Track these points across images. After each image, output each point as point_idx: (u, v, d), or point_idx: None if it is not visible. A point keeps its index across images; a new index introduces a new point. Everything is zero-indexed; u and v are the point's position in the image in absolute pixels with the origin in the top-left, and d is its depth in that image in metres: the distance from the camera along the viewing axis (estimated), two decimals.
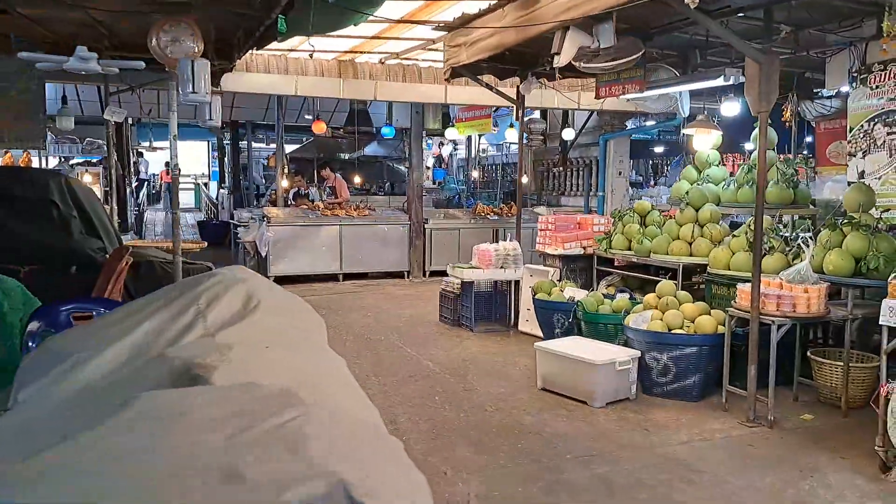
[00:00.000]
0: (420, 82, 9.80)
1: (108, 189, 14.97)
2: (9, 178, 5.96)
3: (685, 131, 7.74)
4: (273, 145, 25.48)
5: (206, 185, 25.71)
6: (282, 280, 10.62)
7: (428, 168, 23.84)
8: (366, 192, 18.30)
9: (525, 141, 15.40)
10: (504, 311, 7.96)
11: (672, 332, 5.35)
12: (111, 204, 14.86)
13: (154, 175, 28.67)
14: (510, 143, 17.99)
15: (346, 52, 8.98)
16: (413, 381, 5.88)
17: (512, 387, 5.73)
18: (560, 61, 5.33)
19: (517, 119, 8.01)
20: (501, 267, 7.70)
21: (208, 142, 26.30)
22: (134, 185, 24.43)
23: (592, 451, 4.41)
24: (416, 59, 9.65)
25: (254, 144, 25.50)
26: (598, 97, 6.48)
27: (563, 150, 13.59)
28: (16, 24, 6.16)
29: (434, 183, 21.95)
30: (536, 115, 14.85)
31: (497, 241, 8.73)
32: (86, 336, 2.05)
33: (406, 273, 11.49)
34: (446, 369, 6.22)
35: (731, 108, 7.73)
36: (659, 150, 16.85)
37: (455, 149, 21.59)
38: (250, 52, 8.93)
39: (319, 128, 11.31)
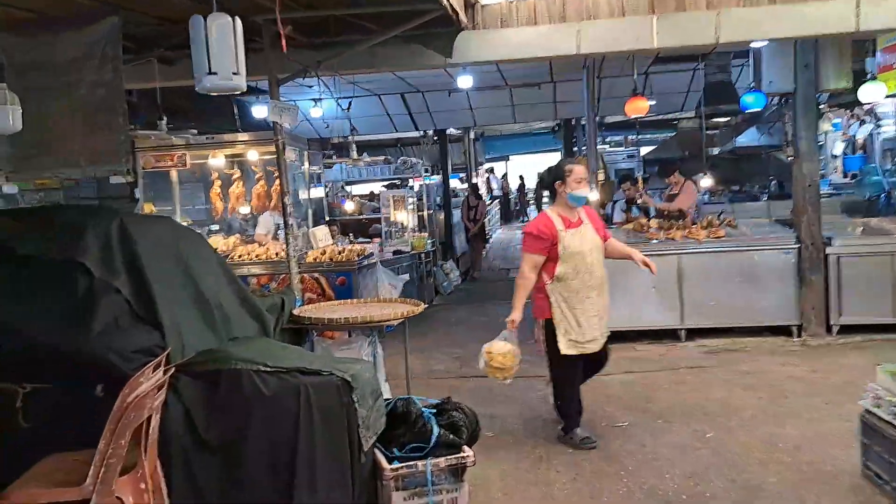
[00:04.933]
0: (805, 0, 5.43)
1: (421, 214, 13.33)
2: (29, 224, 3.67)
3: None
4: (632, 148, 22.03)
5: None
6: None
7: (835, 157, 17.70)
8: (751, 197, 13.73)
9: None
10: None
11: None
12: (430, 229, 13.13)
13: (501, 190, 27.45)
14: None
15: None
16: None
17: None
18: None
19: None
20: None
21: (561, 150, 23.91)
22: (478, 204, 23.26)
23: None
24: None
25: (608, 148, 22.35)
26: None
27: None
28: None
29: (845, 176, 16.02)
30: None
31: None
32: None
33: (795, 329, 6.98)
34: None
35: None
36: None
37: (878, 125, 15.28)
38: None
39: (636, 108, 7.56)
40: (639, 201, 9.14)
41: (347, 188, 14.98)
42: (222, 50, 3.21)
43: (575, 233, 4.49)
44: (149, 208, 8.41)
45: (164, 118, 6.70)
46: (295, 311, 4.75)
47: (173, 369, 3.18)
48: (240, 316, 4.06)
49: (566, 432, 4.63)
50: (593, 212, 4.83)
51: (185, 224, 8.89)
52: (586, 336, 4.47)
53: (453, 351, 7.45)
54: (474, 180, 19.84)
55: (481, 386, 6.03)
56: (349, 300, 5.35)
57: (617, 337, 6.98)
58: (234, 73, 3.27)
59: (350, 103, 10.10)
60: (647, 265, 4.67)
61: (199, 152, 8.19)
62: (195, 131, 7.72)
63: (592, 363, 4.69)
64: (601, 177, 8.49)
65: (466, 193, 15.60)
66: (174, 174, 8.68)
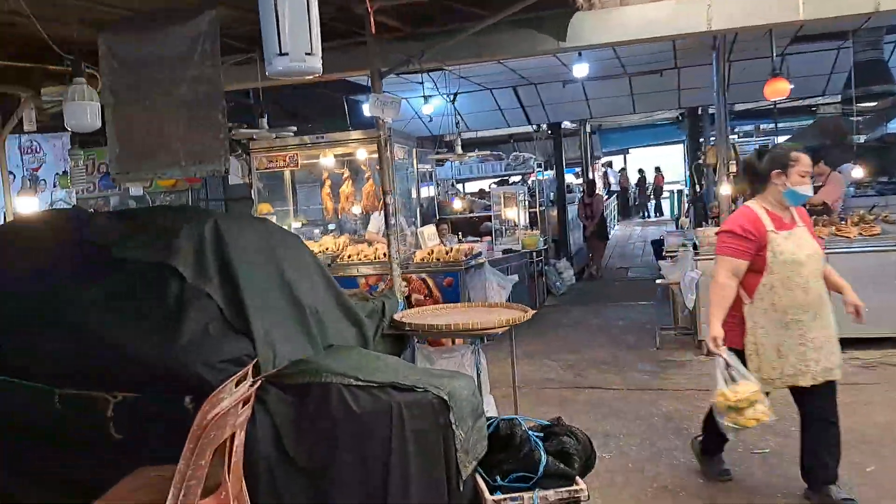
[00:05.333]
0: None
1: (533, 211, 12.83)
2: (127, 227, 3.57)
3: None
4: (764, 137, 20.46)
5: (679, 193, 21.96)
6: None
7: None
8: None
9: None
10: None
11: None
12: (542, 227, 12.62)
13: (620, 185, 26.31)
14: None
15: None
16: None
17: None
18: None
19: None
20: None
21: (684, 142, 22.57)
22: (591, 202, 22.42)
23: None
24: None
25: (736, 138, 20.87)
26: None
27: None
28: None
29: None
30: None
31: None
32: None
33: None
34: None
35: None
36: None
37: None
38: None
39: (776, 89, 6.76)
40: None
41: (458, 186, 14.74)
42: (294, 27, 2.82)
43: (789, 235, 3.51)
44: (266, 209, 8.49)
45: (265, 116, 6.66)
46: (396, 316, 4.49)
47: (261, 381, 2.98)
48: (337, 322, 3.84)
49: (703, 452, 4.07)
50: (806, 214, 3.76)
51: (297, 225, 8.97)
52: (786, 370, 3.54)
53: (565, 357, 7.00)
54: (590, 176, 19.10)
55: (595, 398, 5.56)
56: (453, 304, 5.04)
57: None
58: (308, 54, 2.86)
59: (455, 95, 9.81)
60: (857, 313, 3.64)
61: (311, 152, 8.17)
62: (294, 128, 7.68)
63: (811, 400, 3.70)
64: (733, 168, 7.75)
65: (582, 189, 15.00)
66: (287, 174, 8.75)
